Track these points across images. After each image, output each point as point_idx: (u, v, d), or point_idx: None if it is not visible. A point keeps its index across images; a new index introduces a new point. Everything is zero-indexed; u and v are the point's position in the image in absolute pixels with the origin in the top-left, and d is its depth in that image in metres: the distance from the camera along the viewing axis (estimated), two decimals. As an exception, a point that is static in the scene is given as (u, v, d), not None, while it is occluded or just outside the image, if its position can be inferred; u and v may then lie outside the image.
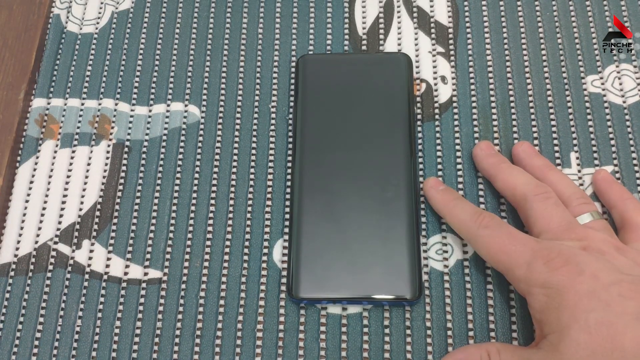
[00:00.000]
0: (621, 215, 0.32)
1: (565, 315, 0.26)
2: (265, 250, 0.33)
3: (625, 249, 0.29)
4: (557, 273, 0.27)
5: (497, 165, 0.33)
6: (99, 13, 0.40)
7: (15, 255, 0.34)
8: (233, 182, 0.35)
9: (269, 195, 0.35)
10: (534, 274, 0.27)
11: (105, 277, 0.33)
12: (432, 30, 0.39)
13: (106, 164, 0.36)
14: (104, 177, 0.36)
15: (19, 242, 0.34)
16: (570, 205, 0.31)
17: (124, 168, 0.36)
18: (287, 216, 0.34)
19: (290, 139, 0.36)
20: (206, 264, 0.33)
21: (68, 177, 0.36)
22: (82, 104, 0.38)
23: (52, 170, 0.36)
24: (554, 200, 0.31)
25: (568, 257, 0.27)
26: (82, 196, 0.35)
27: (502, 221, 0.30)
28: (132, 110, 0.38)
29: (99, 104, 0.38)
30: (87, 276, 0.33)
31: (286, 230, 0.34)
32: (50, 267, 0.34)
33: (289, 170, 0.35)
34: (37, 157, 0.36)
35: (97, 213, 0.35)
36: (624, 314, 0.25)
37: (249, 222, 0.34)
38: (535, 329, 0.29)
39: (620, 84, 0.37)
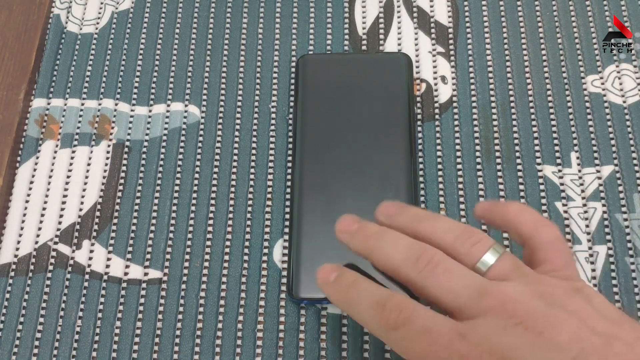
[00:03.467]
0: (536, 243, 0.27)
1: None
2: (266, 250, 0.33)
3: (548, 293, 0.24)
4: (506, 331, 0.22)
5: (365, 244, 0.27)
6: (99, 13, 0.40)
7: (16, 256, 0.34)
8: (233, 182, 0.35)
9: (269, 195, 0.35)
10: (481, 321, 0.23)
11: (105, 277, 0.33)
12: (432, 30, 0.39)
13: (106, 164, 0.36)
14: (104, 177, 0.36)
15: (19, 242, 0.34)
16: (460, 254, 0.25)
17: (124, 168, 0.36)
18: (287, 216, 0.34)
19: (290, 139, 0.36)
20: (206, 264, 0.33)
21: (68, 177, 0.36)
22: (82, 104, 0.38)
23: (52, 170, 0.36)
24: (444, 267, 0.25)
25: (502, 356, 0.22)
26: (82, 196, 0.35)
27: (413, 309, 0.24)
28: (132, 110, 0.38)
29: (99, 104, 0.38)
30: (87, 276, 0.33)
31: (286, 230, 0.34)
32: (51, 268, 0.34)
33: (289, 170, 0.35)
34: (37, 157, 0.36)
35: (97, 213, 0.35)
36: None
37: (249, 222, 0.34)
38: None
39: (621, 83, 0.37)
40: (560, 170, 0.35)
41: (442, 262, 0.25)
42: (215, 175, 0.35)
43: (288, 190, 0.35)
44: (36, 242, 0.34)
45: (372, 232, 0.27)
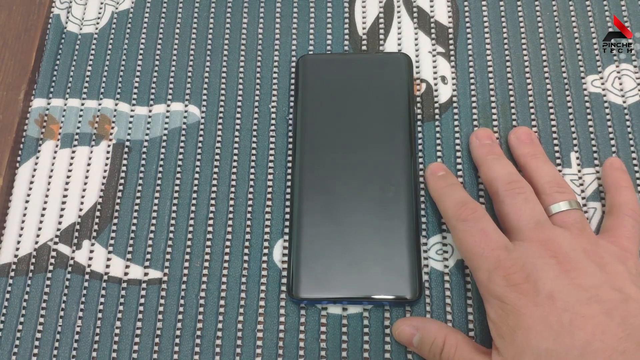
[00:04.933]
0: (610, 200, 0.32)
1: (519, 338, 0.26)
2: (266, 251, 0.33)
3: (594, 251, 0.28)
4: (514, 290, 0.27)
5: (484, 157, 0.33)
6: (99, 13, 0.40)
7: (16, 256, 0.34)
8: (233, 182, 0.35)
9: (269, 196, 0.35)
10: (492, 285, 0.27)
11: (105, 277, 0.33)
12: (432, 30, 0.39)
13: (106, 164, 0.36)
14: (104, 177, 0.36)
15: (19, 242, 0.34)
16: (544, 194, 0.31)
17: (124, 168, 0.36)
18: (287, 216, 0.34)
19: (290, 139, 0.36)
20: (206, 264, 0.33)
21: (68, 177, 0.36)
22: (82, 104, 0.38)
23: (52, 170, 0.36)
24: (525, 196, 0.30)
25: (529, 273, 0.27)
26: (82, 196, 0.35)
27: (483, 215, 0.30)
28: (132, 110, 0.38)
29: (99, 104, 0.38)
30: (87, 276, 0.33)
31: (286, 230, 0.34)
32: (51, 268, 0.34)
33: (289, 171, 0.35)
34: (37, 158, 0.36)
35: (97, 213, 0.35)
36: (572, 347, 0.25)
37: (249, 222, 0.34)
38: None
39: (621, 84, 0.37)
40: (560, 170, 0.35)
41: (526, 193, 0.30)
42: (215, 175, 0.35)
43: (288, 190, 0.35)
44: (36, 242, 0.34)
45: (497, 152, 0.33)
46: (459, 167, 0.35)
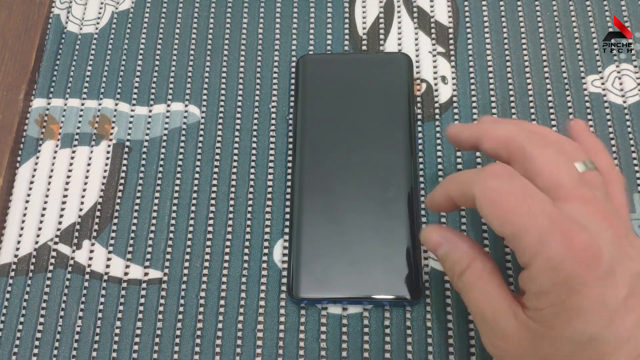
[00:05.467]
0: None
1: (562, 316, 0.23)
2: (266, 251, 0.33)
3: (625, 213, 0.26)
4: (574, 257, 0.22)
5: (480, 127, 0.28)
6: (99, 13, 0.40)
7: (16, 256, 0.34)
8: (233, 182, 0.35)
9: (269, 196, 0.35)
10: (547, 250, 0.22)
11: (105, 277, 0.33)
12: (432, 30, 0.39)
13: (106, 164, 0.36)
14: (104, 177, 0.36)
15: (19, 242, 0.34)
16: (568, 152, 0.27)
17: (124, 168, 0.36)
18: (287, 216, 0.34)
19: (290, 139, 0.36)
20: (206, 264, 0.33)
21: (68, 177, 0.36)
22: (82, 104, 0.38)
23: (52, 170, 0.36)
24: (557, 148, 0.26)
25: (590, 238, 0.22)
26: (82, 196, 0.35)
27: (516, 172, 0.25)
28: (132, 110, 0.38)
29: (99, 104, 0.38)
30: (87, 276, 0.33)
31: (286, 230, 0.34)
32: (51, 268, 0.34)
33: (289, 170, 0.35)
34: (37, 158, 0.36)
35: (97, 213, 0.35)
36: (622, 331, 0.22)
37: (249, 222, 0.34)
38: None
39: (621, 84, 0.37)
40: (560, 170, 0.35)
41: (556, 145, 0.26)
42: (215, 175, 0.35)
43: (288, 190, 0.35)
44: (36, 242, 0.34)
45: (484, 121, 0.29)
46: (459, 167, 0.35)
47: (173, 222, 0.34)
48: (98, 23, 0.40)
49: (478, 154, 0.35)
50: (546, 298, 0.23)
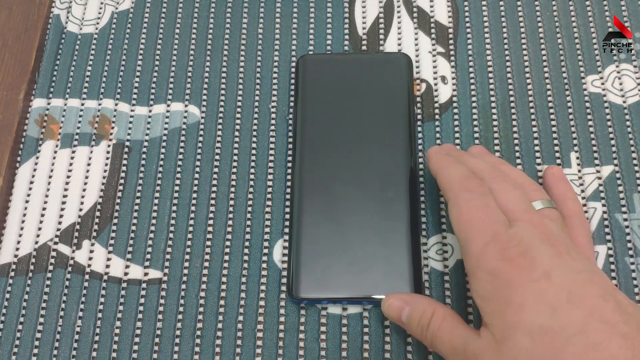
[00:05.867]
0: (560, 211, 0.31)
1: (509, 315, 0.25)
2: (266, 251, 0.33)
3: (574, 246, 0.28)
4: (509, 264, 0.26)
5: (447, 158, 0.32)
6: (99, 13, 0.40)
7: (16, 256, 0.34)
8: (233, 182, 0.35)
9: (269, 196, 0.35)
10: (486, 257, 0.26)
11: (105, 277, 0.33)
12: (432, 30, 0.39)
13: (106, 164, 0.36)
14: (104, 177, 0.36)
15: (19, 242, 0.34)
16: (524, 191, 0.30)
17: (124, 168, 0.36)
18: (287, 216, 0.34)
19: (290, 139, 0.36)
20: (206, 264, 0.33)
21: (68, 177, 0.36)
22: (82, 104, 0.38)
23: (52, 170, 0.36)
24: (512, 183, 0.30)
25: (525, 250, 0.26)
26: (82, 196, 0.35)
27: (488, 192, 0.29)
28: (132, 110, 0.38)
29: (99, 104, 0.38)
30: (87, 276, 0.33)
31: (286, 230, 0.34)
32: (51, 268, 0.34)
33: (289, 170, 0.35)
34: (37, 158, 0.36)
35: (97, 213, 0.35)
36: (570, 324, 0.24)
37: (249, 222, 0.34)
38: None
39: (621, 84, 0.37)
40: (560, 170, 0.35)
41: (513, 181, 0.30)
42: (215, 175, 0.35)
43: (288, 190, 0.35)
44: (36, 242, 0.34)
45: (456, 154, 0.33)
46: (459, 167, 0.35)
47: (173, 222, 0.34)
48: (98, 23, 0.40)
49: (478, 154, 0.35)
50: (492, 301, 0.26)
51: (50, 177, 0.36)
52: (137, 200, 0.35)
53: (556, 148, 0.35)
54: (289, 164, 0.35)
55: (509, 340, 0.25)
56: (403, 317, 0.29)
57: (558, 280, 0.25)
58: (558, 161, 0.35)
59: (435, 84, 0.37)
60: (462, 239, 0.28)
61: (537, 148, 0.35)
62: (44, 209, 0.35)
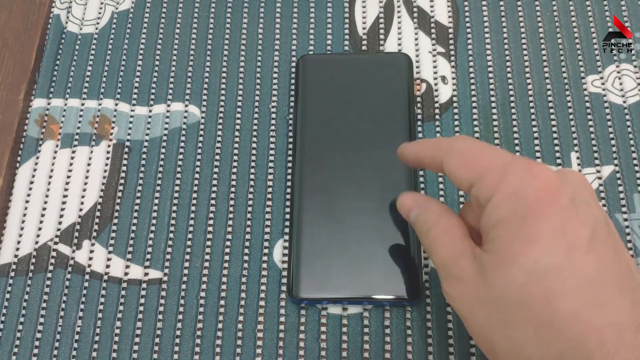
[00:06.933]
0: None
1: (517, 244, 0.22)
2: (266, 251, 0.33)
3: None
4: (536, 182, 0.22)
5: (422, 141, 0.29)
6: (99, 13, 0.40)
7: (16, 256, 0.34)
8: (233, 182, 0.35)
9: (269, 196, 0.35)
10: (509, 177, 0.23)
11: (105, 277, 0.33)
12: (432, 30, 0.39)
13: (106, 164, 0.36)
14: (104, 177, 0.36)
15: (19, 242, 0.34)
16: None
17: (124, 168, 0.36)
18: (288, 216, 0.34)
19: (291, 139, 0.36)
20: (206, 264, 0.33)
21: (68, 177, 0.36)
22: (82, 104, 0.38)
23: (52, 170, 0.36)
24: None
25: (553, 173, 0.23)
26: (82, 196, 0.35)
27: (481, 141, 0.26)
28: (132, 110, 0.37)
29: (99, 104, 0.38)
30: (87, 276, 0.33)
31: (286, 230, 0.34)
32: (51, 268, 0.34)
33: (289, 170, 0.35)
34: (37, 158, 0.36)
35: (97, 213, 0.35)
36: (580, 271, 0.21)
37: (249, 222, 0.34)
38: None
39: (621, 84, 0.37)
40: (560, 170, 0.35)
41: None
42: (215, 175, 0.35)
43: (288, 190, 0.35)
44: (36, 242, 0.34)
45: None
46: (459, 167, 0.35)
47: (173, 222, 0.34)
48: (98, 23, 0.40)
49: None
50: (503, 226, 0.22)
51: (50, 177, 0.36)
52: (137, 200, 0.35)
53: (556, 148, 0.35)
54: (289, 164, 0.35)
55: (503, 271, 0.22)
56: (411, 217, 0.28)
57: (584, 215, 0.22)
58: (558, 161, 0.35)
59: (436, 84, 0.37)
60: (475, 176, 0.24)
61: (537, 148, 0.35)
62: (44, 209, 0.35)
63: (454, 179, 0.25)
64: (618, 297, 0.21)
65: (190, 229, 0.34)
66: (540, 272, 0.21)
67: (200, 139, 0.36)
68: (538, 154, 0.35)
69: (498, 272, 0.22)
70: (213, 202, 0.35)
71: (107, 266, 0.34)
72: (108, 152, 0.36)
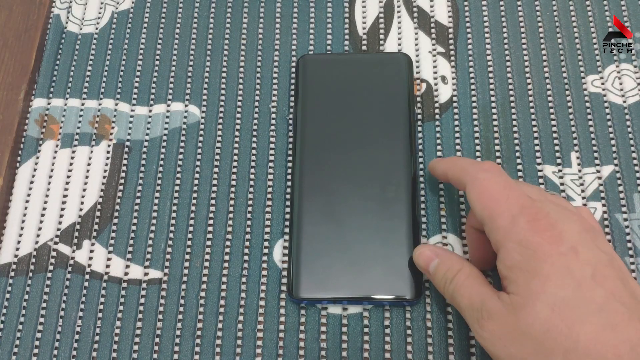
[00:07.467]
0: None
1: (535, 285, 0.25)
2: (266, 251, 0.33)
3: None
4: (538, 235, 0.26)
5: (451, 157, 0.33)
6: (99, 13, 0.40)
7: (16, 256, 0.34)
8: (233, 182, 0.35)
9: (269, 196, 0.35)
10: (516, 228, 0.27)
11: (105, 277, 0.33)
12: (432, 30, 0.39)
13: (106, 164, 0.36)
14: (104, 177, 0.36)
15: (19, 242, 0.34)
16: None
17: (124, 168, 0.36)
18: (287, 216, 0.34)
19: (291, 139, 0.36)
20: (206, 264, 0.33)
21: (68, 177, 0.36)
22: (82, 104, 0.38)
23: (52, 170, 0.36)
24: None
25: (554, 223, 0.26)
26: (82, 196, 0.35)
27: (503, 170, 0.30)
28: (132, 110, 0.38)
29: (99, 104, 0.38)
30: (87, 276, 0.33)
31: (286, 230, 0.34)
32: (51, 268, 0.34)
33: (289, 170, 0.35)
34: (38, 158, 0.36)
35: (98, 213, 0.35)
36: (591, 301, 0.25)
37: (249, 222, 0.34)
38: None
39: (621, 83, 0.37)
40: (560, 170, 0.35)
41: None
42: (215, 175, 0.35)
43: (288, 190, 0.35)
44: (36, 242, 0.34)
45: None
46: (459, 167, 0.35)
47: (173, 222, 0.34)
48: (98, 23, 0.40)
49: (478, 159, 0.35)
50: (519, 270, 0.26)
51: (50, 177, 0.36)
52: (137, 200, 0.35)
53: (556, 148, 0.35)
54: (289, 164, 0.35)
55: (529, 307, 0.25)
56: (430, 268, 0.30)
57: (584, 257, 0.26)
58: (558, 161, 0.35)
59: (436, 84, 0.37)
60: (487, 215, 0.28)
61: (537, 148, 0.35)
62: (44, 209, 0.35)
63: (470, 206, 0.29)
64: (628, 319, 0.24)
65: (190, 228, 0.34)
66: (559, 304, 0.25)
67: (200, 139, 0.36)
68: (538, 154, 0.35)
69: (525, 309, 0.25)
70: (213, 202, 0.35)
71: (107, 266, 0.34)
72: (108, 152, 0.36)
